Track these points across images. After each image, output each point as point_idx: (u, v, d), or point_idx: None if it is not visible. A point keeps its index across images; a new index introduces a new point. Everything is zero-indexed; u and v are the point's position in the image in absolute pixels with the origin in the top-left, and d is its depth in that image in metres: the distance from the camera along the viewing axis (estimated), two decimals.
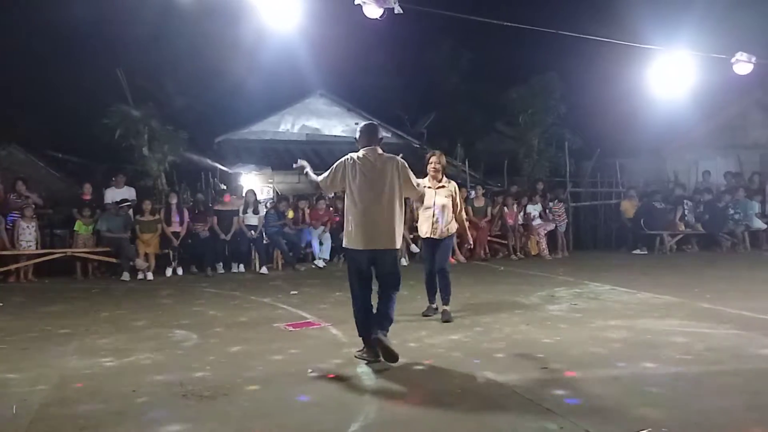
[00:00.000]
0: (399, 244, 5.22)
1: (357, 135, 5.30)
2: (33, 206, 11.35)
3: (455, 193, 6.98)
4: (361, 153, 5.14)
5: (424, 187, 6.73)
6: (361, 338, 5.12)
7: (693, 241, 14.85)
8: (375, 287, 5.21)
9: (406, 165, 5.22)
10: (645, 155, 17.27)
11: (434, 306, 7.05)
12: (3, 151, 15.86)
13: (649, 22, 12.64)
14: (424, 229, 6.97)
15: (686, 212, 14.84)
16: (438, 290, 6.94)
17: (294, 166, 5.47)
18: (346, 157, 5.16)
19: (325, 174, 5.21)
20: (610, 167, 16.75)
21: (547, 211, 14.42)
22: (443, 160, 7.05)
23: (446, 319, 6.67)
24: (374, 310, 5.10)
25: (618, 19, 14.86)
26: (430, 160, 7.02)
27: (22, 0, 18.60)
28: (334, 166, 5.16)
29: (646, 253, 14.05)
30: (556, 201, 14.78)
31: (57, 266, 11.39)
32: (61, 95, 18.55)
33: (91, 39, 18.86)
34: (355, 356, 5.09)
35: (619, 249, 15.10)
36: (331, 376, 4.65)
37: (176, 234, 11.59)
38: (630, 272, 10.66)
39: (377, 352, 4.89)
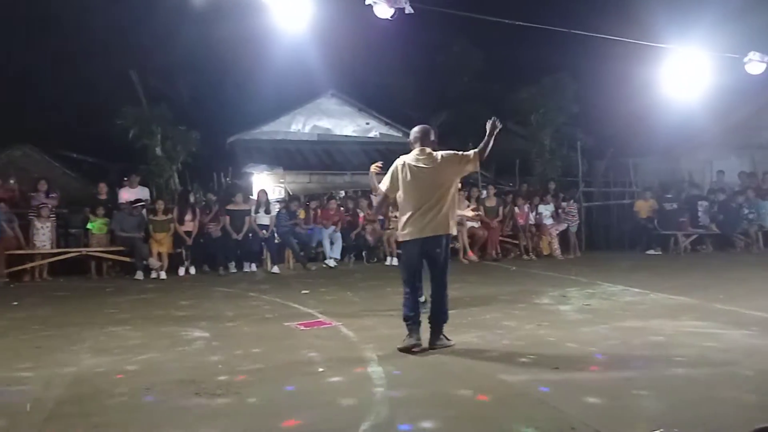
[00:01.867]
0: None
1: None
2: (49, 206, 11.45)
3: None
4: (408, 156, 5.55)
5: None
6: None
7: (707, 241, 14.74)
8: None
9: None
10: (658, 155, 17.15)
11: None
12: (18, 151, 16.01)
13: (662, 20, 12.56)
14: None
15: (700, 212, 14.74)
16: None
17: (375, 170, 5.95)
18: (407, 157, 5.54)
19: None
20: (624, 167, 16.65)
21: (560, 211, 14.36)
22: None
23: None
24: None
25: (630, 18, 14.79)
26: None
27: (37, 2, 18.76)
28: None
29: (660, 253, 13.97)
30: (571, 201, 14.72)
31: (72, 265, 11.49)
32: (75, 95, 18.72)
33: (105, 40, 19.00)
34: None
35: (633, 249, 15.01)
36: (341, 375, 4.67)
37: (189, 233, 11.66)
38: (643, 272, 10.60)
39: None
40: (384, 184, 5.69)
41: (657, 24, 12.20)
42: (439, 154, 5.50)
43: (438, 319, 5.44)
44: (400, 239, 5.60)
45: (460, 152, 5.51)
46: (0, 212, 10.74)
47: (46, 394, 4.24)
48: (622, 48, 10.26)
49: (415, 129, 5.68)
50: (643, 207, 14.96)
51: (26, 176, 12.90)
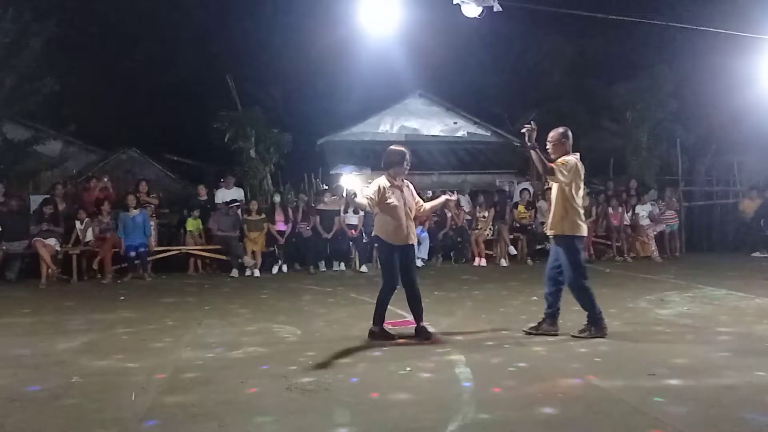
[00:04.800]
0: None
1: (563, 140, 5.95)
2: (152, 206, 12.06)
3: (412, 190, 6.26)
4: (576, 157, 5.87)
5: (383, 187, 5.95)
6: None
7: None
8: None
9: None
10: (764, 152, 16.12)
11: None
12: (124, 154, 16.99)
13: (765, 9, 11.75)
14: (396, 237, 5.96)
15: None
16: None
17: (525, 131, 5.91)
18: (577, 160, 5.85)
19: (566, 172, 5.74)
20: (727, 165, 15.78)
21: (662, 211, 13.74)
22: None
23: (426, 337, 5.88)
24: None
25: (731, 8, 13.95)
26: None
27: (141, 15, 19.86)
28: (571, 165, 5.78)
29: (766, 256, 13.13)
30: (671, 200, 14.08)
31: (172, 263, 12.08)
32: (175, 101, 19.70)
33: (203, 48, 19.90)
34: (528, 332, 5.91)
35: (737, 251, 14.19)
36: (428, 374, 4.67)
37: (281, 233, 12.00)
38: (748, 276, 10.00)
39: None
40: (565, 175, 5.76)
41: (760, 14, 11.43)
42: None
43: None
44: (579, 233, 5.84)
45: None
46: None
47: (149, 385, 4.48)
48: (724, 40, 9.72)
49: (568, 131, 5.98)
50: (750, 207, 14.12)
51: (131, 178, 13.62)
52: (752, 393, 4.07)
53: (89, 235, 11.28)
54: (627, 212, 13.63)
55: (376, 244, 6.33)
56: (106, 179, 12.85)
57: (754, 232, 13.83)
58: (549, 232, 6.08)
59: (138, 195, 11.75)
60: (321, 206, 12.48)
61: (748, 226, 14.11)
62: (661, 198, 14.17)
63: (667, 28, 8.88)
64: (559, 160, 5.82)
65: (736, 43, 10.70)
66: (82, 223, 11.34)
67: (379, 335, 5.85)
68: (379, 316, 5.92)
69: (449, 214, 13.02)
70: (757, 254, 13.30)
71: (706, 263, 12.31)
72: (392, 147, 6.27)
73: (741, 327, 6.14)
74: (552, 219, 5.97)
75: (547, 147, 6.05)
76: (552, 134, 6.02)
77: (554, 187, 5.98)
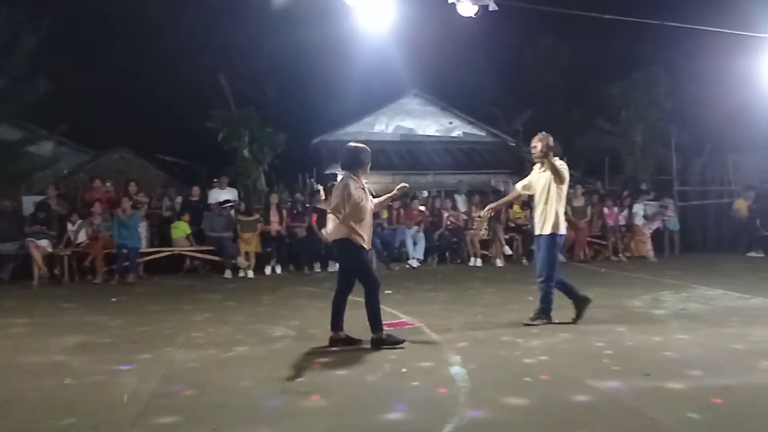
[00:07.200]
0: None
1: (551, 145, 6.29)
2: (144, 207, 11.98)
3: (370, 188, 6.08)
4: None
5: (350, 191, 5.66)
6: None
7: None
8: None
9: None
10: (760, 151, 16.15)
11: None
12: (116, 155, 16.86)
13: (762, 8, 11.76)
14: (367, 239, 5.76)
15: None
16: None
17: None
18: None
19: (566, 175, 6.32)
20: (722, 164, 15.79)
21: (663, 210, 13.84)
22: None
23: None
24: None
25: (728, 6, 13.96)
26: None
27: (129, 12, 19.75)
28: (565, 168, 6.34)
29: (762, 256, 13.15)
30: (665, 199, 14.15)
31: (164, 264, 11.97)
32: (168, 100, 19.60)
33: (196, 47, 19.81)
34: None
35: (733, 251, 14.20)
36: (425, 375, 4.63)
37: (276, 233, 11.93)
38: (744, 276, 10.01)
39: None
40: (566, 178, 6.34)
41: (757, 13, 11.43)
42: None
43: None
44: (561, 232, 6.40)
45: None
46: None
47: (142, 387, 4.43)
48: (720, 39, 9.71)
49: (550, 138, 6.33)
50: (744, 206, 14.13)
51: (123, 179, 13.53)
52: (748, 393, 4.06)
53: (82, 236, 11.20)
54: (622, 212, 13.63)
55: (343, 250, 5.66)
56: (108, 184, 12.78)
57: (749, 232, 13.85)
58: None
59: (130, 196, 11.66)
60: (321, 205, 12.39)
61: (743, 226, 14.12)
62: (658, 198, 14.19)
63: (662, 28, 8.85)
64: (558, 163, 6.27)
65: (733, 43, 10.69)
66: (74, 225, 11.26)
67: (391, 342, 5.52)
68: (379, 320, 5.61)
69: (446, 215, 13.00)
70: (752, 254, 13.32)
71: (700, 263, 12.32)
72: (356, 145, 5.92)
73: (737, 327, 6.11)
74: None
75: (533, 151, 6.51)
76: (539, 143, 6.35)
77: (553, 189, 6.31)
